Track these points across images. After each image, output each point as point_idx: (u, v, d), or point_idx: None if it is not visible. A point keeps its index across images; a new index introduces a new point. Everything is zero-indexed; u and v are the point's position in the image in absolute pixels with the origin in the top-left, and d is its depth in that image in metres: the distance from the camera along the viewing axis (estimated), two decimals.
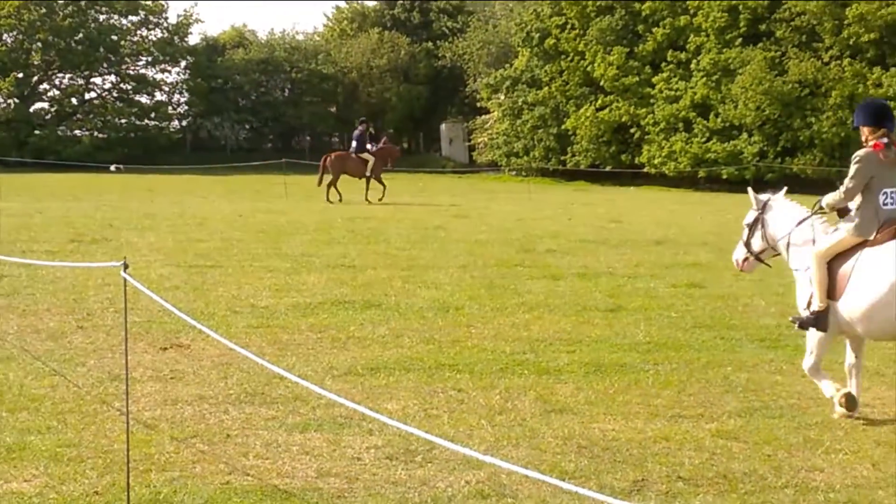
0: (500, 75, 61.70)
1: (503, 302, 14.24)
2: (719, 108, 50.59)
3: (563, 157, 56.74)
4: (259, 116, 77.16)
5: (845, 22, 47.91)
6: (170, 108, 77.44)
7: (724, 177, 49.78)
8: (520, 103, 59.54)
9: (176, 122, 78.75)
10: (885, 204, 8.76)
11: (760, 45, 50.28)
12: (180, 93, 78.23)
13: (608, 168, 54.57)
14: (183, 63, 77.32)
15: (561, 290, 15.48)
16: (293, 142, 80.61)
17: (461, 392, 9.49)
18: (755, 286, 16.07)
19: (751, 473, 7.39)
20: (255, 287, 15.14)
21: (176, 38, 75.94)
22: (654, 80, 53.59)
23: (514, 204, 36.33)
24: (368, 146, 37.60)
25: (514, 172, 60.05)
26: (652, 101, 53.32)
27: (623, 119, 53.86)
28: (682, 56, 53.17)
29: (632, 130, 53.97)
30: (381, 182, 37.06)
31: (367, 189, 36.89)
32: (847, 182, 8.95)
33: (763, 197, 10.00)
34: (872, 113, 9.00)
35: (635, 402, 9.23)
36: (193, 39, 78.42)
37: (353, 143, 38.21)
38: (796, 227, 9.43)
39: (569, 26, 57.32)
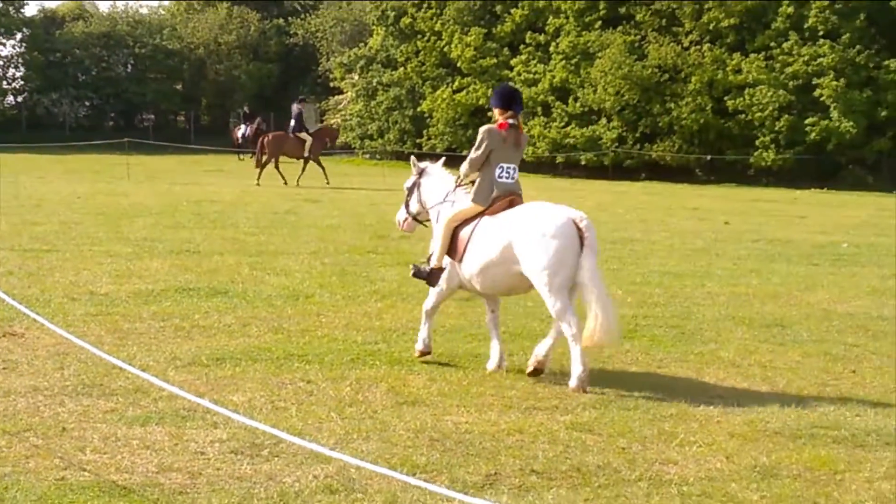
0: (355, 54, 61.00)
1: (355, 290, 13.99)
2: (578, 93, 50.79)
3: (419, 140, 56.31)
4: (100, 93, 74.94)
5: (705, 6, 48.54)
6: (4, 82, 74.53)
7: (583, 163, 50.03)
8: (374, 84, 58.96)
9: (11, 98, 75.72)
10: (500, 177, 9.89)
11: (620, 28, 50.59)
12: (15, 67, 75.33)
13: (465, 152, 54.35)
14: (18, 35, 74.15)
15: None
16: (136, 120, 78.20)
17: (310, 383, 9.21)
18: (612, 275, 16.05)
19: (605, 466, 7.27)
20: (94, 273, 14.63)
21: (11, 8, 72.49)
22: (513, 62, 53.54)
23: (368, 188, 36.00)
24: (292, 125, 37.71)
25: (368, 155, 59.50)
26: (510, 84, 53.34)
27: (481, 102, 53.66)
28: (541, 38, 53.23)
29: (489, 114, 53.73)
30: (319, 164, 37.18)
31: (303, 171, 36.99)
32: (472, 153, 10.01)
33: (422, 164, 10.89)
34: (503, 96, 10.05)
35: (489, 394, 9.06)
36: (30, 11, 76.05)
37: (292, 122, 38.17)
38: (444, 198, 10.43)
39: (425, 5, 56.92)
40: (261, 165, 36.88)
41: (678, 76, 48.53)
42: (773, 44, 47.18)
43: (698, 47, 48.57)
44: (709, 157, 48.14)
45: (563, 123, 50.81)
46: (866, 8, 45.16)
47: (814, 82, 45.45)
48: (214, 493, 6.59)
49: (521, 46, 53.58)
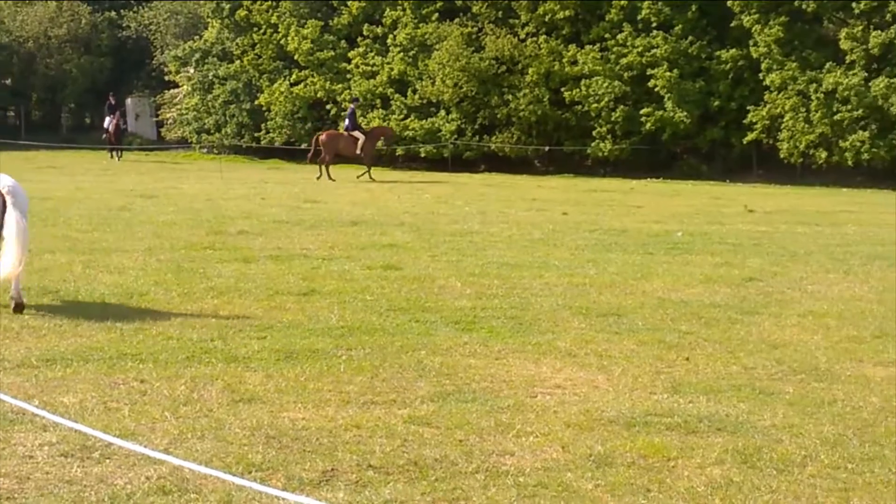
0: (189, 47, 59.97)
1: (191, 287, 13.75)
2: (417, 85, 50.82)
3: (256, 134, 55.71)
4: None
5: None
6: None
7: (423, 155, 50.07)
8: (210, 77, 58.11)
9: None
10: None
11: (457, 20, 50.70)
12: None
13: (304, 146, 54.05)
14: None
15: (253, 273, 15.10)
16: None
17: (144, 383, 9.03)
18: (451, 267, 16.14)
19: (442, 459, 7.27)
20: None
21: None
22: (351, 54, 53.32)
23: (204, 183, 35.51)
24: (346, 124, 39.30)
25: (205, 150, 58.61)
26: (348, 76, 53.12)
27: (319, 95, 53.39)
28: (379, 31, 53.14)
29: (328, 107, 53.61)
30: (368, 163, 38.62)
31: (368, 169, 38.57)
32: None
33: None
34: None
35: (327, 389, 9.00)
36: None
37: (346, 122, 39.66)
38: None
39: None
40: (322, 163, 38.67)
41: (515, 68, 48.88)
42: (607, 35, 47.84)
43: (535, 39, 48.97)
44: (547, 148, 48.62)
45: (402, 116, 50.82)
46: (697, 0, 46.05)
47: (648, 73, 46.21)
48: (43, 497, 6.42)
49: (359, 39, 53.39)
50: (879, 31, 41.64)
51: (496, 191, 35.24)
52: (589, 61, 47.28)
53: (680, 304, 13.50)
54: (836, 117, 41.82)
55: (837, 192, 38.57)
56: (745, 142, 44.84)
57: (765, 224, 24.36)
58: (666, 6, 46.27)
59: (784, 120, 43.34)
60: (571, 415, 8.41)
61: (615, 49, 47.31)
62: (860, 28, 42.34)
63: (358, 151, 39.46)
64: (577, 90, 47.40)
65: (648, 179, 43.93)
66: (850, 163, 42.00)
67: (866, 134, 41.13)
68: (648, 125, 45.90)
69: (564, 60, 48.18)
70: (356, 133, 39.66)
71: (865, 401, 8.96)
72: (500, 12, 50.30)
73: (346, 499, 6.55)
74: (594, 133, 47.47)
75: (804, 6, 42.79)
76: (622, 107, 46.58)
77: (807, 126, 42.64)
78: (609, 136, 47.06)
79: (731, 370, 10.01)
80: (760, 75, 44.34)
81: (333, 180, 37.16)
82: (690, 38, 45.88)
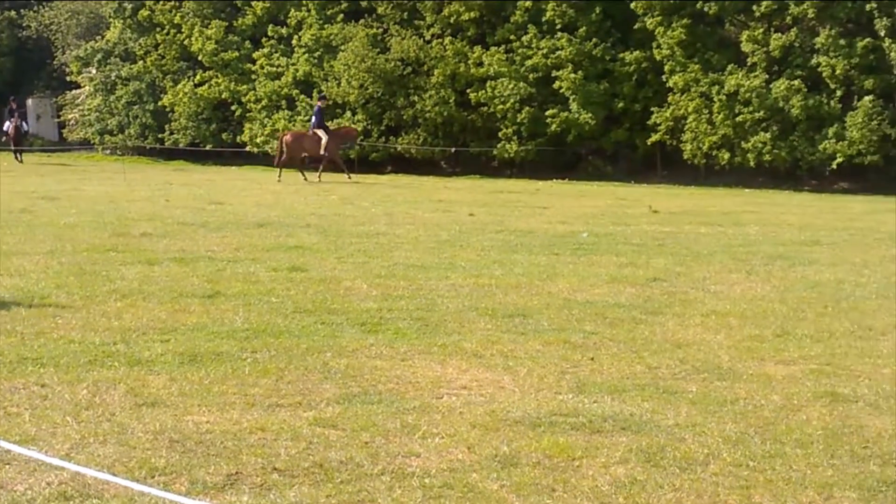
0: (91, 48, 59.14)
1: (93, 290, 13.57)
2: (322, 86, 50.63)
3: (160, 136, 55.16)
4: None
5: (446, 0, 49.03)
6: None
7: None
8: (113, 78, 57.40)
9: None
10: None
11: (362, 21, 50.59)
12: None
13: (209, 147, 53.68)
14: None
15: (156, 275, 14.94)
16: None
17: (45, 387, 8.91)
18: (358, 268, 16.11)
19: (347, 462, 7.25)
20: None
21: None
22: (255, 55, 52.93)
23: (107, 185, 35.10)
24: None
25: (108, 151, 57.90)
26: (253, 77, 52.79)
27: (223, 96, 52.98)
28: (284, 31, 52.86)
29: (233, 108, 53.23)
30: (338, 163, 39.12)
31: (321, 168, 38.99)
32: None
33: None
34: None
35: (232, 392, 8.93)
36: None
37: (312, 119, 39.87)
38: None
39: None
40: (280, 164, 39.21)
41: (421, 69, 48.91)
42: (512, 37, 47.99)
43: (440, 40, 49.03)
44: (453, 150, 48.66)
45: (307, 117, 50.54)
46: (601, 2, 46.38)
47: (553, 75, 46.43)
48: None
49: (264, 39, 53.06)
50: (780, 34, 42.24)
51: (403, 192, 35.23)
52: (494, 63, 47.41)
53: (585, 304, 13.58)
54: (738, 119, 42.35)
55: (740, 193, 39.07)
56: (649, 143, 45.22)
57: (669, 224, 24.60)
58: (570, 8, 46.54)
59: (687, 121, 43.80)
60: (477, 416, 8.43)
61: (520, 51, 47.49)
62: (761, 30, 42.91)
63: (322, 151, 39.66)
64: (483, 92, 47.51)
65: (554, 180, 44.16)
66: (751, 164, 42.53)
67: (767, 135, 41.69)
68: (554, 126, 46.12)
69: (470, 62, 48.28)
70: (319, 132, 39.92)
71: (767, 399, 9.08)
72: (406, 14, 50.30)
73: (250, 502, 6.51)
74: (500, 134, 47.61)
75: (706, 8, 43.27)
76: (528, 108, 46.76)
77: (709, 127, 43.13)
78: (515, 138, 47.23)
79: (636, 370, 10.09)
80: (664, 77, 44.76)
81: (307, 180, 38.24)
82: (594, 39, 46.18)
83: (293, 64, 51.70)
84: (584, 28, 46.25)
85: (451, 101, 47.90)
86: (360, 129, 43.44)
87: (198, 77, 53.86)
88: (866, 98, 40.10)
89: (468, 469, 7.18)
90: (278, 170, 39.48)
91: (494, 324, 12.18)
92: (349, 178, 39.45)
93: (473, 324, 12.16)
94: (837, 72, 40.38)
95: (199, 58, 53.81)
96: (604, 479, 7.02)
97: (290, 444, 7.62)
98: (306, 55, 51.38)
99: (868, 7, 40.14)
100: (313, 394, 8.96)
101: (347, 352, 10.51)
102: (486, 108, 47.74)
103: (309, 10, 51.96)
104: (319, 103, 41.74)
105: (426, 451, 7.55)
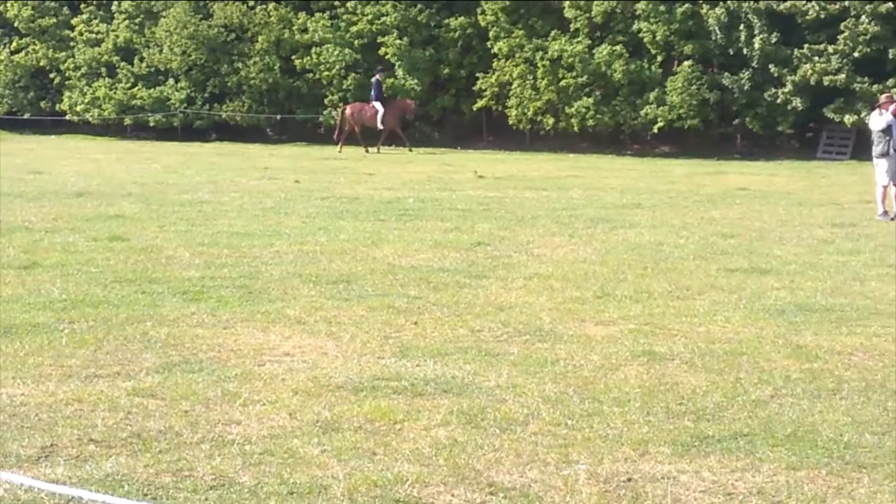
0: None
1: None
2: (144, 53, 49.68)
3: None
4: None
5: None
6: None
7: (152, 124, 49.08)
8: None
9: None
10: None
11: None
12: None
13: (27, 115, 52.21)
14: None
15: None
16: None
17: None
18: (180, 237, 15.91)
19: (166, 431, 7.17)
20: None
21: None
22: (74, 21, 51.60)
23: None
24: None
25: None
26: (72, 44, 51.50)
27: (41, 63, 51.52)
28: None
29: (51, 75, 51.85)
30: (398, 132, 40.03)
31: (381, 140, 40.08)
32: None
33: None
34: None
35: (48, 364, 8.74)
36: None
37: (372, 92, 40.88)
38: None
39: None
40: (342, 134, 40.46)
41: (245, 36, 48.34)
42: (337, 3, 47.73)
43: (264, 6, 48.49)
44: (279, 117, 48.27)
45: (129, 84, 49.60)
46: None
47: (378, 41, 46.35)
48: None
49: (83, 6, 51.71)
50: (602, 0, 42.83)
51: (228, 160, 34.85)
52: (319, 29, 47.10)
53: (410, 269, 13.63)
54: (562, 84, 42.83)
55: (564, 158, 39.56)
56: (474, 109, 45.46)
57: (494, 190, 24.80)
58: None
59: (512, 87, 44.13)
60: (299, 382, 8.39)
61: (345, 17, 47.29)
62: None
63: (379, 124, 40.21)
64: (309, 58, 47.17)
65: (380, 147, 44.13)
66: (575, 129, 43.09)
67: (591, 100, 42.27)
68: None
69: (295, 28, 47.88)
70: (377, 104, 40.38)
71: (586, 359, 9.22)
72: None
73: (65, 474, 6.38)
74: (326, 101, 47.36)
75: None
76: (354, 74, 46.59)
77: (534, 93, 43.54)
78: (341, 104, 47.07)
79: (459, 333, 10.16)
80: (488, 43, 44.97)
81: (367, 151, 39.61)
82: (419, 6, 46.20)
83: (113, 30, 50.55)
84: None
85: (275, 67, 47.47)
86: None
87: (14, 44, 52.24)
88: (686, 63, 40.93)
89: (289, 435, 7.15)
90: (339, 143, 40.63)
91: (318, 290, 12.14)
92: (409, 150, 40.12)
93: (297, 290, 12.11)
94: (658, 37, 41.11)
95: (16, 24, 52.15)
96: (425, 441, 7.06)
97: (107, 414, 7.49)
98: (126, 21, 50.29)
99: None
100: (132, 364, 8.81)
101: (168, 321, 10.37)
102: (311, 75, 47.43)
103: None
104: (378, 75, 41.70)
105: (247, 418, 7.50)
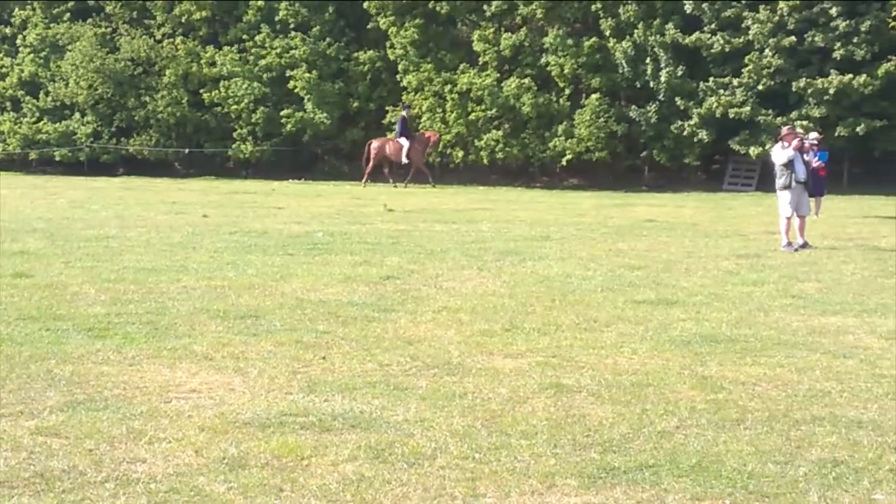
0: None
1: None
2: (49, 87, 49.29)
3: None
4: None
5: None
6: None
7: (58, 159, 48.75)
8: None
9: None
10: None
11: (90, 20, 49.53)
12: None
13: None
14: None
15: None
16: None
17: None
18: (86, 273, 15.72)
19: (70, 470, 7.05)
20: None
21: None
22: None
23: None
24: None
25: None
26: None
27: None
28: (8, 31, 51.32)
29: None
30: (421, 168, 40.18)
31: (409, 177, 40.60)
32: None
33: None
34: None
35: None
36: None
37: (397, 128, 40.83)
38: None
39: None
40: (368, 171, 41.35)
41: (152, 69, 48.20)
42: (245, 36, 47.79)
43: (171, 40, 48.41)
44: (187, 151, 48.07)
45: (34, 119, 49.16)
46: (334, 2, 46.56)
47: (287, 74, 46.37)
48: None
49: None
50: (510, 34, 43.22)
51: (135, 194, 34.55)
52: (228, 62, 47.09)
53: (319, 303, 13.58)
54: (471, 117, 43.12)
55: (474, 190, 39.76)
56: None
57: (404, 223, 24.84)
58: (303, 7, 46.58)
59: (421, 120, 44.33)
60: (206, 418, 8.32)
61: (254, 50, 47.31)
62: (492, 30, 43.83)
63: (403, 159, 40.38)
64: (217, 92, 47.12)
65: (290, 180, 44.09)
66: (485, 161, 43.40)
67: (500, 133, 42.59)
68: (289, 126, 46.07)
69: (203, 61, 47.82)
70: (401, 140, 40.62)
71: (494, 392, 9.24)
72: (135, 12, 49.51)
73: None
74: (235, 134, 47.31)
75: (438, 8, 43.87)
76: (262, 108, 46.59)
77: (443, 126, 43.76)
78: (250, 138, 47.00)
79: (367, 367, 10.14)
80: (398, 76, 45.20)
81: (396, 186, 40.74)
82: (328, 39, 46.33)
83: (18, 64, 50.14)
84: (318, 27, 46.37)
85: (183, 101, 47.31)
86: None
87: None
88: (593, 96, 41.43)
89: (195, 473, 7.07)
90: (364, 176, 41.35)
91: (226, 325, 12.05)
92: (433, 186, 40.10)
93: (205, 326, 12.01)
94: (566, 70, 41.57)
95: None
96: (332, 477, 7.03)
97: (9, 454, 7.36)
98: (32, 55, 49.93)
99: (594, 7, 41.47)
100: (36, 402, 8.67)
101: (73, 358, 10.23)
102: (220, 109, 47.35)
103: (34, 9, 50.51)
104: (404, 112, 41.89)
105: (152, 456, 7.41)
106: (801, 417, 8.49)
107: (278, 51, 46.69)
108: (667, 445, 7.74)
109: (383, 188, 40.38)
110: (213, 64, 47.66)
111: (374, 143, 41.40)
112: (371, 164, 40.94)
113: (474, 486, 6.89)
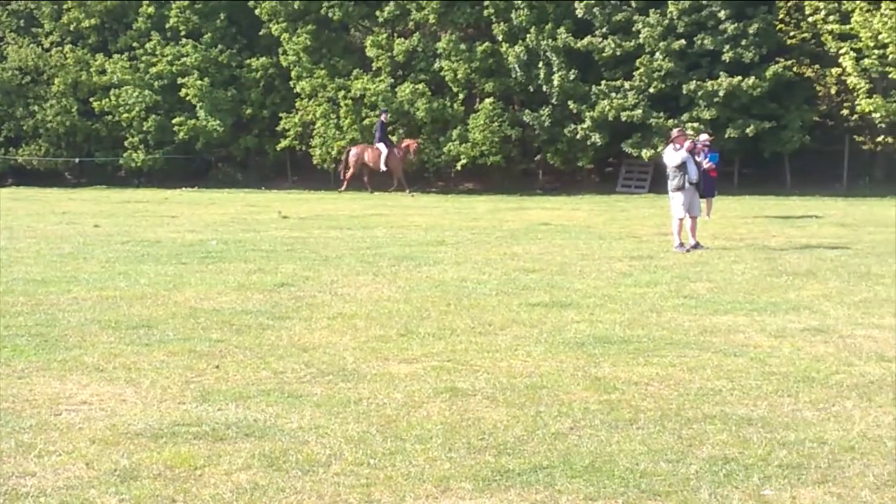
0: None
1: None
2: None
3: None
4: None
5: (65, 7, 47.82)
6: None
7: None
8: None
9: None
10: None
11: None
12: None
13: None
14: None
15: None
16: None
17: None
18: None
19: None
20: None
21: None
22: None
23: None
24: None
25: None
26: None
27: None
28: None
29: None
30: (398, 176, 39.44)
31: (395, 185, 40.25)
32: None
33: None
34: None
35: None
36: None
37: (376, 133, 40.60)
38: None
39: None
40: (346, 178, 40.78)
41: (41, 78, 47.51)
42: (136, 44, 47.27)
43: (60, 48, 47.75)
44: (77, 160, 47.43)
45: None
46: (226, 8, 46.22)
47: (179, 82, 45.94)
48: None
49: None
50: (403, 39, 43.22)
51: (24, 205, 34.01)
52: (118, 70, 46.57)
53: (212, 312, 13.47)
54: (365, 123, 43.05)
55: (369, 196, 39.68)
56: (278, 149, 45.42)
57: (299, 230, 24.73)
58: (194, 14, 46.18)
59: (316, 127, 44.18)
60: (97, 430, 8.21)
61: (144, 58, 46.81)
62: (385, 36, 43.78)
63: (382, 166, 39.72)
64: (108, 100, 46.56)
65: (183, 189, 43.68)
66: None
67: (394, 139, 42.55)
68: (182, 134, 45.66)
69: (92, 70, 47.25)
70: (381, 146, 39.88)
71: (389, 397, 9.24)
72: (22, 21, 48.82)
73: None
74: (126, 143, 46.77)
75: (331, 14, 43.70)
76: (154, 116, 46.12)
77: (338, 132, 43.63)
78: (142, 146, 46.50)
79: (261, 375, 10.08)
80: (291, 83, 44.98)
81: (372, 192, 40.15)
82: (220, 46, 45.98)
83: None
84: (209, 34, 46.02)
85: (73, 110, 46.70)
86: (418, 142, 41.32)
87: None
88: (487, 101, 41.56)
89: (86, 485, 6.98)
90: (344, 182, 40.68)
91: (118, 336, 11.90)
92: (412, 195, 39.24)
93: (96, 337, 11.85)
94: (459, 75, 41.67)
95: None
96: (226, 486, 6.97)
97: None
98: None
99: (486, 12, 41.60)
100: None
101: None
102: (110, 117, 46.80)
103: None
104: (382, 117, 40.74)
105: (42, 469, 7.30)
106: (692, 416, 8.60)
107: (169, 58, 46.23)
108: (560, 447, 7.80)
109: (279, 194, 40.18)
110: (103, 72, 47.08)
111: (353, 150, 40.79)
112: (351, 171, 40.42)
113: (369, 492, 6.89)
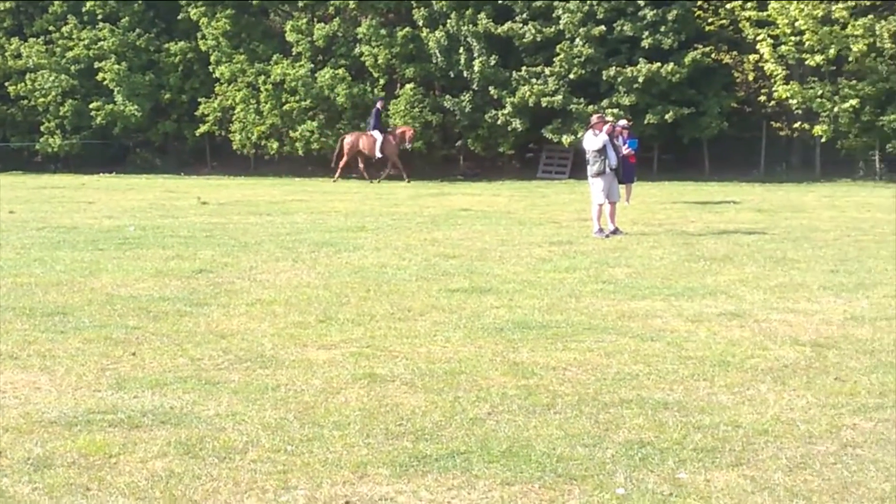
0: None
1: None
2: None
3: None
4: None
5: None
6: None
7: None
8: None
9: None
10: None
11: None
12: None
13: None
14: None
15: None
16: None
17: None
18: None
19: None
20: None
21: None
22: None
23: None
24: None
25: None
26: None
27: None
28: None
29: None
30: (395, 164, 38.50)
31: (387, 170, 39.78)
32: None
33: None
34: None
35: None
36: None
37: (370, 121, 39.82)
38: None
39: None
40: (339, 165, 39.59)
41: None
42: (52, 28, 46.72)
43: None
44: None
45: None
46: None
47: (96, 66, 45.43)
48: None
49: None
50: (323, 24, 43.04)
51: None
52: (34, 55, 46.00)
53: (129, 299, 13.34)
54: (286, 108, 42.85)
55: (290, 182, 39.54)
56: (197, 134, 45.10)
57: (218, 216, 24.58)
58: None
59: (235, 112, 43.91)
60: (10, 418, 8.11)
61: (61, 42, 46.27)
62: (305, 21, 43.57)
63: (377, 153, 39.00)
64: (23, 84, 45.98)
65: (101, 174, 43.24)
66: (300, 152, 43.15)
67: (315, 124, 42.42)
68: (99, 119, 45.17)
69: (7, 54, 46.66)
70: (375, 133, 39.07)
71: (307, 384, 9.20)
72: None
73: None
74: (42, 128, 46.23)
75: None
76: (71, 101, 45.61)
77: (258, 117, 43.41)
78: (58, 132, 45.97)
79: (178, 362, 10.00)
80: (210, 68, 44.66)
81: (371, 181, 39.04)
82: (138, 30, 45.54)
83: None
84: (127, 18, 45.58)
85: None
86: (413, 129, 40.37)
87: None
88: (408, 86, 41.52)
89: None
90: (337, 170, 39.64)
91: (32, 323, 11.75)
92: (408, 182, 38.53)
93: (10, 324, 11.70)
94: (380, 61, 41.59)
95: None
96: (141, 474, 6.91)
97: None
98: None
99: None
100: None
101: None
102: (26, 102, 46.23)
103: None
104: (378, 105, 39.93)
105: None
106: (609, 400, 8.66)
107: (86, 42, 45.71)
108: (478, 432, 7.82)
109: (198, 180, 39.89)
110: (19, 56, 46.49)
111: (347, 139, 40.08)
112: (345, 159, 39.82)
113: (286, 479, 6.86)
